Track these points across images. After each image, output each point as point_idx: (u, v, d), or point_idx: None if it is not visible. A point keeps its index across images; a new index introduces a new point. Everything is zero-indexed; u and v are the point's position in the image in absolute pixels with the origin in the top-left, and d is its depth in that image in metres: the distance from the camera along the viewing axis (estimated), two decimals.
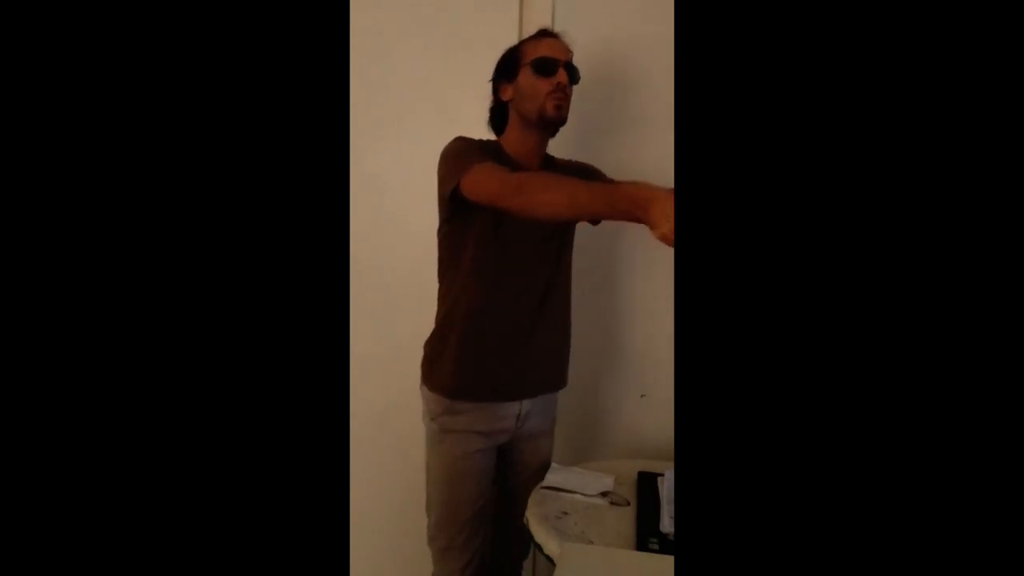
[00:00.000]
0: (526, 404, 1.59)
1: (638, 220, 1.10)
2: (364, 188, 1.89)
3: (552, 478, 1.55)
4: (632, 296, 1.88)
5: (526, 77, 1.51)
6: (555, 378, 1.66)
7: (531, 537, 1.41)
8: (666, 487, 1.49)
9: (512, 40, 1.82)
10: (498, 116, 1.58)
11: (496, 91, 1.57)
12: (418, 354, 1.61)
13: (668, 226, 1.05)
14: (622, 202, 1.13)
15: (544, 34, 1.55)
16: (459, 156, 1.44)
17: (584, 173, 1.58)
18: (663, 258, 1.85)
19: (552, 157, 1.62)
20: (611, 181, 1.57)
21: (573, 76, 1.53)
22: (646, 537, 1.34)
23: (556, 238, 1.58)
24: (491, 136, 1.61)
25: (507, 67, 1.54)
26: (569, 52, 1.53)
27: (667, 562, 1.16)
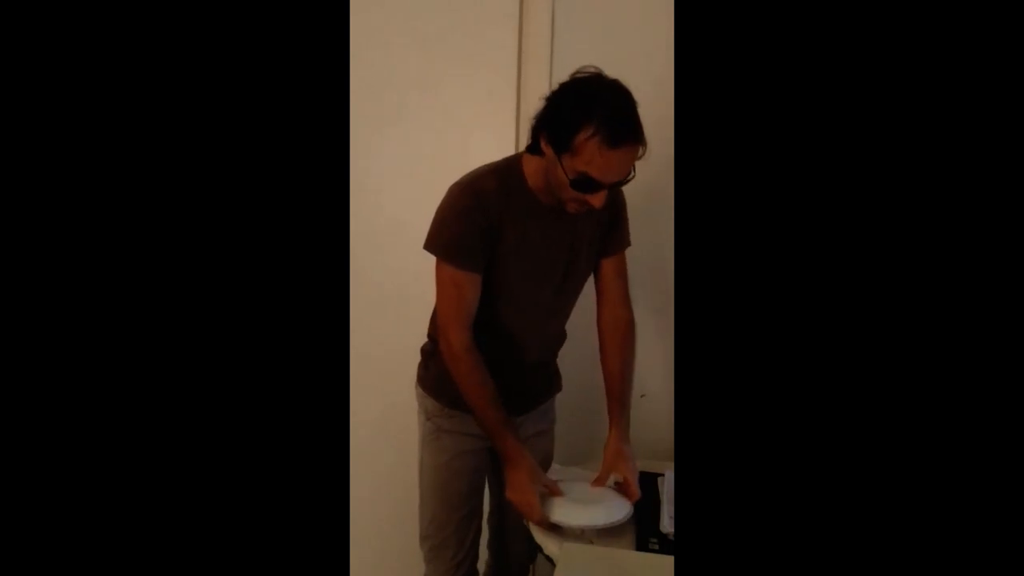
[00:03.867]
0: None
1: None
2: (364, 190, 1.88)
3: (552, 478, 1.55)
4: (631, 296, 1.87)
5: (563, 175, 1.24)
6: (549, 389, 1.63)
7: (531, 538, 1.41)
8: (666, 487, 1.49)
9: (512, 42, 1.81)
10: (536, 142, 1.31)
11: (537, 134, 1.29)
12: (418, 356, 1.61)
13: (515, 496, 1.36)
14: (499, 447, 1.40)
15: (623, 139, 1.20)
16: (441, 232, 1.34)
17: (613, 207, 1.45)
18: (663, 258, 1.86)
19: None
20: (624, 222, 1.51)
21: (618, 184, 1.27)
22: (646, 537, 1.34)
23: (569, 281, 1.47)
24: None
25: (559, 134, 1.22)
26: (631, 165, 1.24)
27: (667, 562, 1.17)
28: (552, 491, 1.37)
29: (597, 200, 1.25)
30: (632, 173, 1.27)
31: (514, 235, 1.36)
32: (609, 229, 1.49)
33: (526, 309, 1.45)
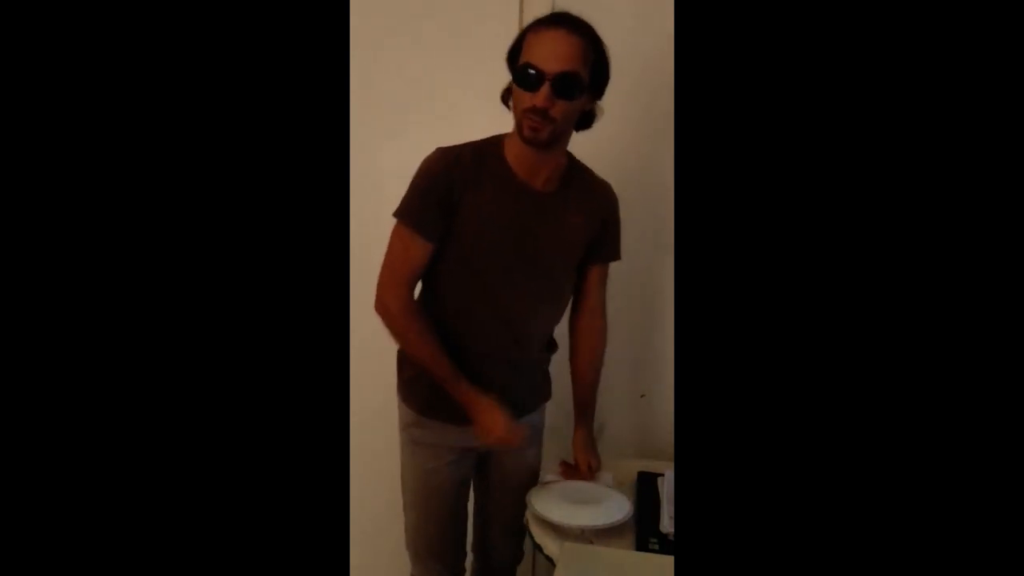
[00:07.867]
0: None
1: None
2: (363, 188, 1.88)
3: (549, 477, 1.55)
4: (632, 296, 1.88)
5: (514, 83, 1.27)
6: (535, 399, 1.55)
7: (531, 537, 1.41)
8: (666, 487, 1.49)
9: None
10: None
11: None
12: None
13: (490, 434, 1.36)
14: (461, 397, 1.36)
15: (553, 22, 1.22)
16: (409, 193, 1.35)
17: (604, 203, 1.47)
18: (663, 258, 1.86)
19: (580, 173, 1.44)
20: (617, 234, 1.51)
21: (569, 91, 1.22)
22: (646, 537, 1.34)
23: (554, 271, 1.44)
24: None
25: (511, 55, 1.29)
26: (573, 56, 1.22)
27: (667, 562, 1.17)
28: (519, 433, 1.39)
29: (540, 98, 1.21)
30: (597, 114, 1.34)
31: (476, 205, 1.33)
32: (601, 235, 1.48)
33: (494, 290, 1.38)
